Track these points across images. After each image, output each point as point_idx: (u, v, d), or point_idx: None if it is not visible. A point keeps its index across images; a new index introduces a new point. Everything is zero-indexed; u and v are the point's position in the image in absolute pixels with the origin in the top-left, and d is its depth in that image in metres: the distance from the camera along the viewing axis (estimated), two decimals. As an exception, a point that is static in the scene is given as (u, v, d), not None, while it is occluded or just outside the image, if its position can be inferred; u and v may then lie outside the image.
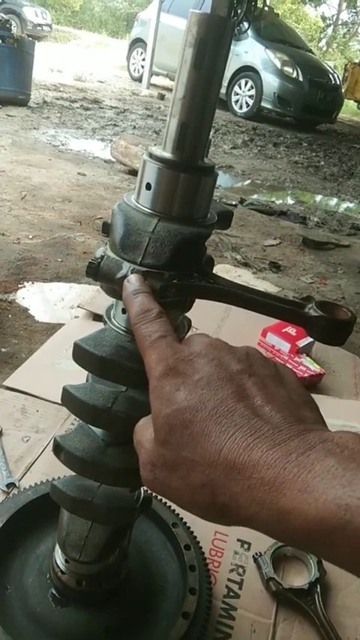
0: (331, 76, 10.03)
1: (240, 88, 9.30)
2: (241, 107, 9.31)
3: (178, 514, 0.93)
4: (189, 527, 0.92)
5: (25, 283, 2.04)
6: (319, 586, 0.93)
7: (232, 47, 0.51)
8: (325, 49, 29.72)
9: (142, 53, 10.53)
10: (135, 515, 0.70)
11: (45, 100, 6.48)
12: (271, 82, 9.06)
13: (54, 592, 0.80)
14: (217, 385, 0.40)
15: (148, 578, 0.86)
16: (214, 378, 0.41)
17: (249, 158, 6.04)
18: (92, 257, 0.53)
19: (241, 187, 4.79)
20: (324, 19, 30.83)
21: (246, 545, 1.02)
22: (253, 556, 0.99)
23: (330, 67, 10.79)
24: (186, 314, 0.61)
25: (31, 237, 2.50)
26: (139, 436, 0.44)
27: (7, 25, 5.66)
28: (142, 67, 10.25)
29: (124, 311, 0.57)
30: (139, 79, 10.26)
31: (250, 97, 9.22)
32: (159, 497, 0.91)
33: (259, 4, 7.67)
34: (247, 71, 9.22)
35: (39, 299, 1.95)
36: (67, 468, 0.63)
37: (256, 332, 1.76)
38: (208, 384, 0.40)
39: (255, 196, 4.45)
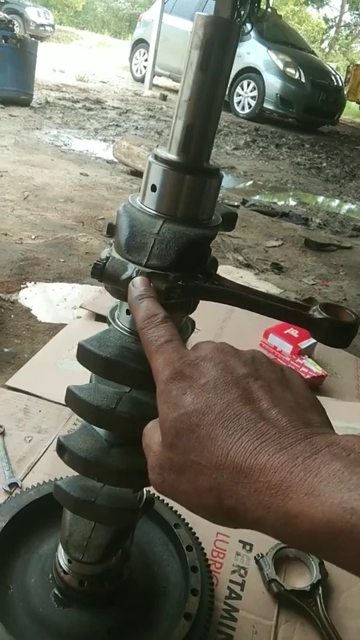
0: (333, 77, 10.03)
1: (242, 89, 9.30)
2: (243, 108, 9.31)
3: (180, 515, 0.93)
4: (191, 528, 0.92)
5: (28, 283, 2.04)
6: (320, 588, 0.93)
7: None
8: (327, 50, 29.72)
9: (144, 54, 10.54)
10: (138, 515, 0.70)
11: (47, 100, 6.49)
12: (273, 84, 9.06)
13: (56, 592, 0.80)
14: (224, 389, 0.40)
15: (151, 579, 0.86)
16: (221, 381, 0.41)
17: (251, 159, 6.04)
18: (97, 258, 0.53)
19: (244, 188, 4.79)
20: (326, 20, 30.84)
21: (248, 547, 1.02)
22: (255, 557, 0.99)
23: (332, 68, 10.78)
24: (189, 315, 0.61)
25: (33, 237, 2.50)
26: (148, 439, 0.44)
27: (10, 26, 5.66)
28: (145, 67, 10.26)
29: (128, 312, 0.58)
30: (142, 80, 10.27)
31: (253, 98, 9.22)
32: (161, 498, 0.91)
33: (262, 6, 7.66)
34: (250, 72, 9.23)
35: (41, 299, 1.95)
36: (71, 468, 0.63)
37: (258, 333, 1.76)
38: (215, 387, 0.41)
39: (257, 197, 4.45)
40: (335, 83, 9.99)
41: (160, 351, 0.44)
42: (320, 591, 0.93)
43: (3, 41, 5.34)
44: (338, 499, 0.32)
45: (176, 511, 0.93)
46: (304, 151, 7.38)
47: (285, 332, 1.71)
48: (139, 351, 0.51)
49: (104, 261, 0.53)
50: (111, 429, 0.61)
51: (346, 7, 29.36)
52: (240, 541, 1.02)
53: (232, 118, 8.84)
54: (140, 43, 10.89)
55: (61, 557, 0.77)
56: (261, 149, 6.71)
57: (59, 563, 0.78)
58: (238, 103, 9.36)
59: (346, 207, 4.91)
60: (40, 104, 6.12)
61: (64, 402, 0.61)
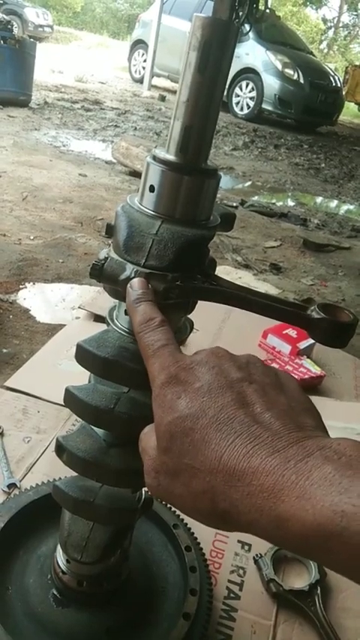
0: (331, 78, 10.04)
1: (241, 89, 9.31)
2: (241, 109, 9.32)
3: (178, 515, 0.93)
4: (190, 529, 0.92)
5: (27, 284, 2.04)
6: (319, 588, 0.94)
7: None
8: (326, 51, 29.76)
9: (143, 54, 10.54)
10: (136, 516, 0.70)
11: (46, 100, 6.49)
12: (271, 84, 9.07)
13: (55, 592, 0.80)
14: (218, 393, 0.41)
15: (149, 579, 0.86)
16: (215, 385, 0.41)
17: (250, 160, 6.04)
18: (96, 258, 0.53)
19: (242, 189, 4.79)
20: (325, 21, 30.88)
21: (246, 547, 1.02)
22: (254, 557, 0.99)
23: (331, 69, 10.80)
24: (188, 315, 0.62)
25: (32, 237, 2.50)
26: (144, 443, 0.45)
27: (9, 26, 5.67)
28: (144, 68, 10.27)
29: (126, 312, 0.58)
30: (141, 81, 10.27)
31: (251, 98, 9.23)
32: (160, 498, 0.91)
33: (261, 7, 7.67)
34: (248, 73, 9.24)
35: (40, 300, 1.95)
36: (69, 468, 0.63)
37: (256, 333, 1.76)
38: (209, 391, 0.41)
39: (256, 198, 4.45)
40: (334, 84, 10.00)
41: (156, 355, 0.45)
42: (319, 591, 0.93)
43: (2, 42, 5.34)
44: (329, 502, 0.32)
45: (175, 512, 0.93)
46: (303, 151, 7.39)
47: (284, 332, 1.72)
48: (138, 351, 0.51)
49: (103, 262, 0.53)
50: (109, 429, 0.61)
51: (345, 7, 29.41)
52: (239, 541, 1.03)
53: (231, 119, 8.85)
54: (139, 43, 10.89)
55: (60, 558, 0.77)
56: (259, 150, 6.72)
57: (58, 564, 0.78)
58: (237, 103, 9.37)
59: (345, 207, 4.92)
60: (38, 105, 6.12)
61: (62, 403, 0.61)
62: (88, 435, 0.63)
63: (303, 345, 1.69)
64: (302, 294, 2.58)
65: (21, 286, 2.01)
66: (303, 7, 29.28)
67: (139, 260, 0.52)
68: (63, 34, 18.39)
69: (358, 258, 3.35)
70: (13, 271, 2.12)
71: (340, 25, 30.79)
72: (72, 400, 0.58)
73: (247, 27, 7.05)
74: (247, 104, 9.29)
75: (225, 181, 4.85)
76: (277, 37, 9.66)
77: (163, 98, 8.98)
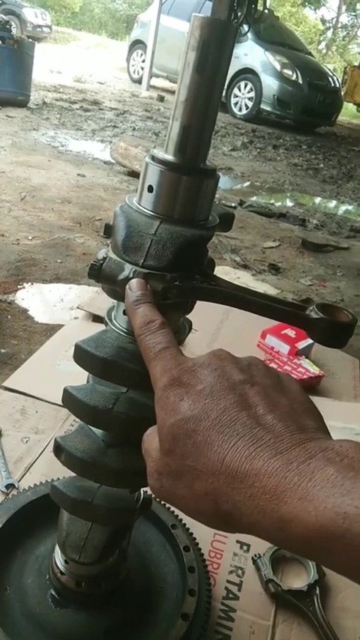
0: (330, 78, 10.05)
1: (239, 90, 9.31)
2: (240, 109, 9.33)
3: (177, 516, 0.93)
4: (188, 529, 0.92)
5: (25, 284, 2.04)
6: (318, 588, 0.94)
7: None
8: (324, 51, 29.79)
9: (141, 55, 10.54)
10: (135, 516, 0.70)
11: (45, 101, 6.49)
12: (270, 85, 9.08)
13: (53, 593, 0.80)
14: (220, 395, 0.41)
15: (148, 580, 0.86)
16: (217, 388, 0.41)
17: (248, 160, 6.05)
18: (95, 259, 0.53)
19: (241, 189, 4.80)
20: (323, 21, 30.92)
21: (245, 547, 1.02)
22: (253, 558, 0.99)
23: (329, 69, 10.81)
24: (186, 315, 0.61)
25: (30, 238, 2.50)
26: (147, 445, 0.45)
27: (7, 27, 5.66)
28: (142, 68, 10.26)
29: (125, 312, 0.58)
30: (139, 81, 10.27)
31: (250, 99, 9.24)
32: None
33: (259, 7, 7.68)
34: (247, 73, 9.24)
35: (38, 300, 1.95)
36: (68, 468, 0.63)
37: (255, 334, 1.76)
38: (211, 393, 0.41)
39: (254, 198, 4.45)
40: (332, 84, 10.01)
41: (158, 358, 0.45)
42: (317, 591, 0.93)
43: (0, 42, 5.34)
44: (331, 504, 0.32)
45: (173, 512, 0.93)
46: (302, 152, 7.40)
47: (282, 332, 1.72)
48: (136, 351, 0.51)
49: (101, 262, 0.53)
50: (108, 429, 0.61)
51: (343, 8, 29.45)
52: (237, 541, 1.03)
53: (230, 119, 8.85)
54: (137, 44, 10.89)
55: (58, 558, 0.77)
56: (258, 150, 6.72)
57: (56, 564, 0.78)
58: (236, 104, 9.37)
59: (343, 208, 4.92)
60: (37, 105, 6.12)
61: (61, 403, 0.61)
62: (86, 436, 0.63)
63: (301, 345, 1.69)
64: (301, 294, 2.58)
65: (19, 286, 2.01)
66: (301, 7, 29.31)
67: (137, 260, 0.52)
68: (61, 35, 18.39)
69: (357, 258, 3.36)
70: (11, 271, 2.12)
71: (339, 25, 30.84)
72: (70, 400, 0.58)
73: (245, 27, 7.06)
74: (246, 104, 9.29)
75: (224, 182, 4.85)
76: (275, 37, 9.66)
77: (161, 98, 8.98)
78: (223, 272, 2.60)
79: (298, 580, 0.97)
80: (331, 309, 0.51)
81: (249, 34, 8.85)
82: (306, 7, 30.00)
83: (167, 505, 0.94)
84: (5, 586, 0.81)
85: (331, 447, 0.36)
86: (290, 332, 1.72)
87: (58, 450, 0.62)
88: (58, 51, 13.27)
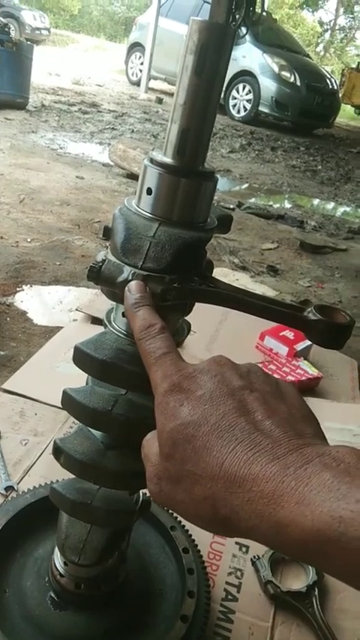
0: (328, 80, 10.07)
1: (238, 92, 9.33)
2: (238, 111, 9.34)
3: (176, 517, 0.93)
4: (187, 531, 0.92)
5: (24, 286, 2.04)
6: (317, 589, 0.94)
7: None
8: (322, 53, 29.88)
9: (140, 57, 10.55)
10: (134, 518, 0.70)
11: (43, 103, 6.49)
12: (268, 87, 9.10)
13: (52, 595, 0.80)
14: (219, 400, 0.41)
15: (147, 582, 0.86)
16: (217, 393, 0.42)
17: (247, 162, 6.06)
18: (94, 261, 0.54)
19: (239, 191, 4.80)
20: (321, 24, 31.00)
21: (244, 549, 1.02)
22: (251, 559, 0.99)
23: (327, 71, 10.84)
24: (185, 317, 0.62)
25: (29, 240, 2.50)
26: (147, 450, 0.45)
27: (6, 29, 5.68)
28: (141, 70, 10.28)
29: (124, 314, 0.58)
30: (138, 83, 10.29)
31: (248, 101, 9.25)
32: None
33: (257, 10, 7.72)
34: (245, 75, 9.25)
35: (37, 302, 1.95)
36: (67, 470, 0.63)
37: (254, 335, 1.76)
38: (211, 399, 0.41)
39: (253, 200, 4.46)
40: (330, 86, 10.03)
41: (159, 363, 0.45)
42: (316, 592, 0.93)
43: (-1, 45, 5.35)
44: (327, 508, 0.32)
45: (172, 514, 0.93)
46: (300, 153, 7.41)
47: (280, 334, 1.72)
48: (135, 353, 0.51)
49: (100, 264, 0.53)
50: (107, 431, 0.61)
51: (341, 10, 29.54)
52: (236, 543, 1.03)
53: (228, 121, 8.87)
54: (136, 46, 10.91)
55: (57, 560, 0.77)
56: (256, 152, 6.74)
57: (55, 566, 0.78)
58: (234, 106, 9.38)
59: (341, 209, 4.93)
60: (35, 107, 6.13)
61: (60, 405, 0.61)
62: (85, 438, 0.63)
63: (300, 346, 1.69)
64: (299, 295, 2.58)
65: (18, 289, 2.01)
66: (299, 9, 29.39)
67: (136, 262, 0.52)
68: (60, 37, 18.41)
69: (355, 259, 3.36)
70: (10, 274, 2.12)
71: (337, 27, 30.93)
72: (70, 402, 0.59)
73: (243, 30, 7.09)
74: (244, 107, 9.31)
75: (222, 183, 4.86)
76: (273, 39, 9.68)
77: (160, 101, 8.99)
78: (222, 274, 2.61)
79: (297, 581, 0.97)
80: (328, 311, 0.51)
81: (247, 37, 8.87)
82: (304, 10, 30.09)
83: (166, 507, 0.94)
84: (4, 588, 0.81)
85: (328, 452, 0.36)
86: (289, 334, 1.72)
87: (58, 452, 0.62)
88: (56, 53, 13.29)
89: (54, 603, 0.79)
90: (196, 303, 0.57)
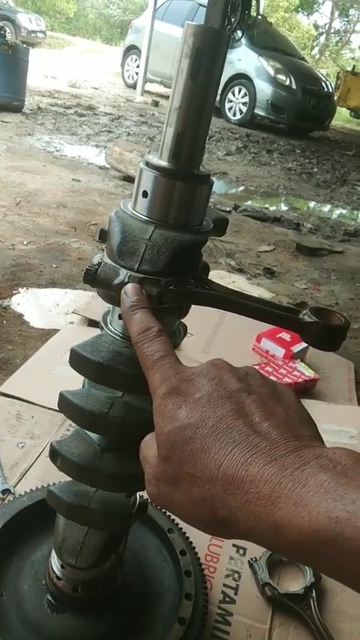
0: (323, 83, 10.11)
1: (234, 95, 9.36)
2: (234, 114, 9.37)
3: (173, 520, 0.93)
4: (184, 533, 0.92)
5: (20, 289, 2.04)
6: (314, 591, 0.94)
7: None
8: (317, 57, 29.99)
9: (136, 60, 10.58)
10: (131, 520, 0.70)
11: (39, 106, 6.50)
12: (264, 90, 9.13)
13: (50, 598, 0.80)
14: (217, 403, 0.42)
15: (144, 584, 0.86)
16: (214, 396, 0.42)
17: (243, 165, 6.07)
18: (90, 264, 0.54)
19: (235, 194, 4.81)
20: (316, 27, 31.13)
21: (241, 551, 1.02)
22: (249, 561, 0.99)
23: (323, 74, 10.88)
24: (182, 320, 0.62)
25: (25, 243, 2.50)
26: (145, 452, 0.46)
27: (2, 32, 5.67)
28: (137, 73, 10.30)
29: (120, 317, 0.58)
30: (134, 86, 10.30)
31: (244, 104, 9.28)
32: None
33: (253, 13, 7.73)
34: (241, 79, 9.28)
35: (34, 305, 1.95)
36: (64, 473, 0.63)
37: (250, 338, 1.76)
38: (209, 402, 0.42)
39: (249, 203, 4.47)
40: (326, 89, 10.07)
41: (157, 366, 0.46)
42: (314, 594, 0.93)
43: (-5, 48, 5.35)
44: (324, 509, 0.33)
45: (170, 516, 0.93)
46: (296, 156, 7.43)
47: (277, 336, 1.72)
48: (132, 355, 0.51)
49: (96, 267, 0.54)
50: (104, 433, 0.61)
51: (336, 14, 29.68)
52: (234, 545, 1.03)
53: (224, 124, 8.89)
54: (132, 49, 10.93)
55: (55, 563, 0.77)
56: (252, 155, 6.75)
57: (52, 569, 0.78)
58: (230, 109, 9.41)
59: (337, 212, 4.94)
60: (32, 110, 6.13)
61: (56, 408, 0.61)
62: (82, 440, 0.63)
63: (297, 348, 1.69)
64: (296, 297, 2.59)
65: (14, 291, 2.01)
66: (295, 13, 29.51)
67: (132, 265, 0.52)
68: (56, 40, 18.43)
69: (351, 262, 3.37)
70: (6, 276, 2.12)
71: (332, 31, 31.07)
72: (66, 405, 0.59)
73: (239, 33, 7.11)
74: (240, 109, 9.33)
75: (218, 186, 4.87)
76: (269, 43, 9.72)
77: (156, 103, 9.01)
78: (219, 276, 2.61)
79: (294, 583, 0.97)
80: (324, 313, 0.51)
81: (243, 40, 8.88)
82: (299, 13, 30.22)
83: (163, 509, 0.94)
84: (1, 592, 0.81)
85: (325, 454, 0.37)
86: (285, 336, 1.73)
87: (54, 454, 0.62)
88: (52, 56, 13.30)
89: (51, 606, 0.79)
90: (193, 306, 0.57)
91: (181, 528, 0.92)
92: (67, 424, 1.25)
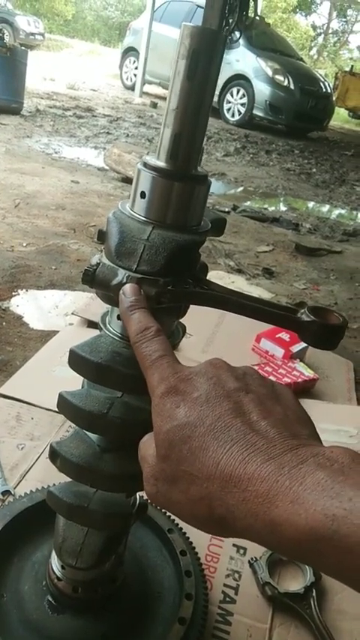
0: (322, 84, 10.12)
1: (232, 96, 9.37)
2: (233, 115, 9.38)
3: (173, 520, 0.93)
4: (184, 533, 0.92)
5: (19, 291, 2.04)
6: (314, 590, 0.94)
7: (223, 56, 0.52)
8: (315, 57, 30.03)
9: (134, 62, 10.59)
10: (131, 521, 0.70)
11: (38, 108, 6.50)
12: (262, 90, 9.14)
13: (50, 599, 0.80)
14: (215, 402, 0.42)
15: (145, 584, 0.86)
16: (213, 395, 0.42)
17: (241, 165, 6.08)
18: (88, 264, 0.54)
19: (234, 194, 4.82)
20: (314, 28, 31.19)
21: (242, 551, 1.02)
22: (249, 561, 0.99)
23: (321, 75, 10.89)
24: (181, 320, 0.62)
25: (24, 244, 2.50)
26: (143, 452, 0.46)
27: (0, 35, 5.68)
28: (135, 75, 10.30)
29: (119, 317, 0.58)
30: (132, 88, 10.31)
31: (242, 105, 9.29)
32: (155, 503, 0.91)
33: (251, 14, 7.75)
34: (239, 79, 9.29)
35: (33, 306, 1.95)
36: (63, 474, 0.63)
37: (250, 338, 1.77)
38: (207, 401, 0.42)
39: (248, 203, 4.47)
40: (324, 90, 10.08)
41: (155, 366, 0.46)
42: (314, 594, 0.93)
43: (-7, 50, 5.35)
44: (320, 506, 0.33)
45: (170, 516, 0.93)
46: (294, 157, 7.44)
47: (276, 336, 1.72)
48: (131, 355, 0.51)
49: (95, 268, 0.54)
50: (103, 434, 0.61)
51: (334, 14, 29.72)
52: (234, 545, 1.03)
53: (222, 125, 8.89)
54: (130, 51, 10.95)
55: (55, 564, 0.77)
56: (251, 155, 6.76)
57: (53, 570, 0.78)
58: (228, 109, 9.42)
59: (336, 212, 4.95)
60: (30, 112, 6.13)
61: (56, 409, 0.61)
62: (81, 441, 0.63)
63: (296, 348, 1.69)
64: (295, 298, 2.59)
65: (14, 293, 2.01)
66: (293, 13, 29.55)
67: (130, 265, 0.52)
68: (54, 42, 18.45)
69: (350, 261, 3.38)
70: (5, 278, 2.12)
71: (330, 31, 31.13)
72: (65, 405, 0.59)
73: (237, 34, 7.11)
74: (239, 110, 9.34)
75: (217, 187, 4.87)
76: (267, 43, 9.73)
77: (154, 105, 9.02)
78: (218, 276, 2.61)
79: (294, 583, 0.98)
80: (322, 312, 0.51)
81: (240, 41, 8.91)
82: (297, 14, 30.26)
83: (163, 509, 0.94)
84: (2, 593, 0.81)
85: (322, 452, 0.37)
86: (285, 336, 1.73)
87: (54, 455, 0.63)
88: (51, 58, 13.31)
89: (52, 607, 0.79)
90: (192, 306, 0.57)
91: (181, 528, 0.92)
92: (67, 425, 1.25)
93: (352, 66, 13.66)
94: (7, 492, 1.04)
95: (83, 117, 6.69)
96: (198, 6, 8.93)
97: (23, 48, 6.02)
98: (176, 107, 0.50)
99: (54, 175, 3.82)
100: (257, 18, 9.27)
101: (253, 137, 8.21)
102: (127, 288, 0.51)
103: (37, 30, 14.52)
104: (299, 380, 1.57)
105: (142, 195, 0.54)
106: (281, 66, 9.35)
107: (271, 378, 1.53)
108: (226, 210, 3.94)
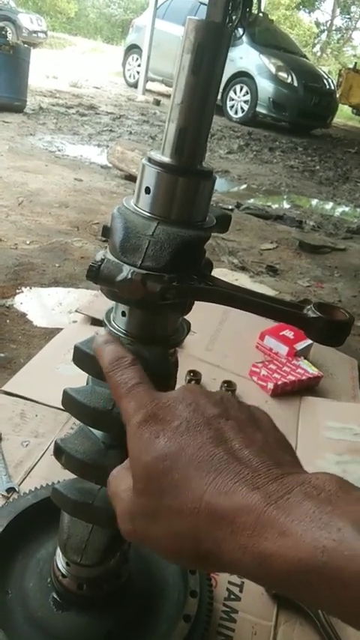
0: (325, 81, 10.10)
1: (235, 93, 9.35)
2: (236, 112, 9.36)
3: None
4: (189, 530, 0.92)
5: (23, 288, 2.04)
6: (319, 588, 0.94)
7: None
8: (319, 54, 29.94)
9: (137, 59, 10.58)
10: (136, 517, 0.70)
11: (41, 106, 6.50)
12: (266, 87, 9.12)
13: (55, 596, 0.80)
14: (196, 430, 0.40)
15: (149, 581, 0.86)
16: (192, 423, 0.41)
17: (245, 163, 6.06)
18: (92, 260, 0.54)
19: (238, 192, 4.81)
20: (318, 24, 31.08)
21: (246, 548, 1.02)
22: (254, 558, 0.99)
23: (324, 72, 10.87)
24: (185, 317, 0.62)
25: (28, 242, 2.50)
26: (114, 487, 0.44)
27: (3, 32, 5.68)
28: (138, 72, 10.30)
29: (123, 314, 0.58)
30: (135, 85, 10.30)
31: (246, 102, 9.27)
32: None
33: (254, 11, 7.73)
34: (242, 77, 9.28)
35: (37, 304, 1.95)
36: (68, 470, 0.63)
37: (254, 335, 1.76)
38: (187, 429, 0.40)
39: (251, 201, 4.47)
40: (327, 87, 10.06)
41: (132, 394, 0.44)
42: (319, 591, 0.93)
43: (-4, 48, 5.35)
44: (309, 538, 0.32)
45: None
46: (298, 154, 7.42)
47: (281, 333, 1.72)
48: (135, 352, 0.51)
49: (99, 263, 0.54)
50: (108, 430, 0.61)
51: (337, 11, 29.61)
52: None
53: (226, 122, 8.88)
54: (133, 48, 10.93)
55: (60, 561, 0.77)
56: (254, 153, 6.74)
57: (57, 567, 0.78)
58: (232, 107, 9.40)
59: (340, 209, 4.94)
60: (33, 110, 6.13)
61: (60, 407, 0.61)
62: (86, 437, 0.63)
63: (300, 346, 1.69)
64: (299, 295, 2.59)
65: (17, 291, 2.02)
66: (296, 10, 29.45)
67: (135, 261, 0.52)
68: (57, 40, 18.44)
69: (354, 259, 3.37)
70: (9, 276, 2.12)
71: (333, 28, 31.02)
72: (70, 402, 0.59)
73: (240, 31, 7.10)
74: (242, 108, 9.32)
75: (220, 184, 4.86)
76: (270, 40, 9.71)
77: (157, 102, 9.01)
78: (221, 274, 2.61)
79: (299, 580, 0.97)
80: (328, 308, 0.51)
81: (244, 38, 8.88)
82: (300, 11, 30.16)
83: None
84: (7, 590, 0.81)
85: (308, 480, 0.36)
86: (289, 333, 1.72)
87: (59, 452, 0.62)
88: (53, 56, 13.31)
89: (56, 604, 0.79)
90: (197, 304, 0.57)
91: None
92: (72, 422, 1.25)
93: (356, 63, 13.57)
94: (11, 489, 1.04)
95: (86, 115, 6.69)
96: (201, 3, 8.92)
97: (26, 46, 6.03)
98: (181, 102, 0.50)
99: (57, 173, 3.83)
100: (260, 15, 9.25)
101: (257, 134, 8.20)
102: (101, 329, 0.53)
103: (40, 28, 14.52)
104: (303, 377, 1.56)
105: (147, 190, 0.53)
106: (285, 63, 9.32)
107: (276, 375, 1.53)
108: (230, 207, 3.93)
